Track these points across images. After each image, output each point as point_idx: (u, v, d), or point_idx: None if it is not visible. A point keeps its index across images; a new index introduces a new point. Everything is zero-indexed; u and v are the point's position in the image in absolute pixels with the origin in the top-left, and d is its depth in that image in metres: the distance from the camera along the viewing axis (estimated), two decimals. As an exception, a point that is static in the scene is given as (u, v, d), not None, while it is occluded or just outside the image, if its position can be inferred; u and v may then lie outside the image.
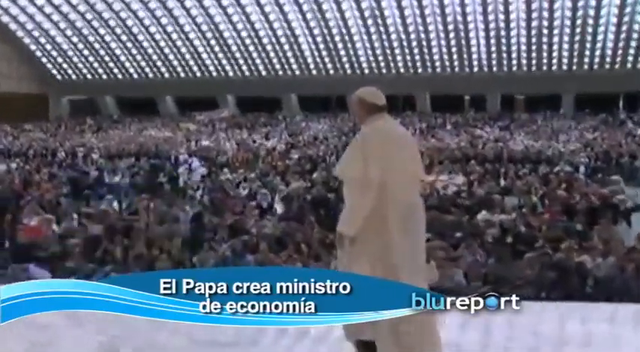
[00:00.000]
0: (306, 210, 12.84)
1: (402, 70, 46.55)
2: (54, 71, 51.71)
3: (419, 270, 4.18)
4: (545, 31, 40.80)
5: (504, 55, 43.50)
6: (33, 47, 49.65)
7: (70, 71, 51.57)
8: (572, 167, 22.16)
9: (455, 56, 44.55)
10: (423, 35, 43.01)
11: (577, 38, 41.11)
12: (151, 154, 28.89)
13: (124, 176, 22.72)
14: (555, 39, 41.65)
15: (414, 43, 43.90)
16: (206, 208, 13.98)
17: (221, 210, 13.35)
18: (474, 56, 44.37)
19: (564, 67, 43.47)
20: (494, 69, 44.74)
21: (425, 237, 4.40)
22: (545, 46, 42.05)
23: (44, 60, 50.80)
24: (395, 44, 44.32)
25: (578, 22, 40.06)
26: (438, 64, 45.58)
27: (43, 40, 48.86)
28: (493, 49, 43.20)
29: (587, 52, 42.14)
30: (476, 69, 45.19)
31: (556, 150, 25.76)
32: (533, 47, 42.20)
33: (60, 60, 50.65)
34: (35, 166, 25.07)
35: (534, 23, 40.45)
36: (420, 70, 46.25)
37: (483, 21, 40.82)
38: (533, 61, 43.37)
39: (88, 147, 32.11)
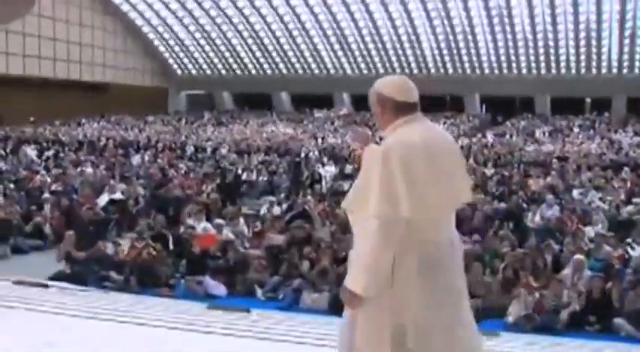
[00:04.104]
0: (489, 222, 12.04)
1: (524, 71, 45.17)
2: (175, 66, 53.09)
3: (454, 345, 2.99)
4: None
5: (637, 56, 41.38)
6: (157, 42, 51.08)
7: (190, 66, 52.86)
8: None
9: (582, 57, 42.76)
10: (551, 35, 41.44)
11: None
12: (280, 151, 28.66)
13: (260, 173, 22.28)
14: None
15: (541, 43, 42.38)
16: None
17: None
18: (604, 57, 42.46)
19: None
20: (625, 70, 42.67)
21: (466, 290, 3.13)
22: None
23: (166, 55, 52.20)
24: (520, 44, 42.94)
25: None
26: (563, 65, 43.92)
27: (166, 36, 50.17)
28: (626, 49, 41.14)
29: None
30: (604, 70, 43.26)
31: None
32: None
33: (182, 55, 51.93)
34: (167, 160, 24.87)
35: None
36: (543, 72, 44.72)
37: (619, 19, 38.80)
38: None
39: (216, 142, 32.29)
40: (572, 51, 42.57)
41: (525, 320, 7.74)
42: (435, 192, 2.91)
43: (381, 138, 3.09)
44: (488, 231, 11.46)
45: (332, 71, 48.85)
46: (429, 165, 2.90)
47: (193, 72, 53.20)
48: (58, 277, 9.86)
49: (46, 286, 7.91)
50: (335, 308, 8.70)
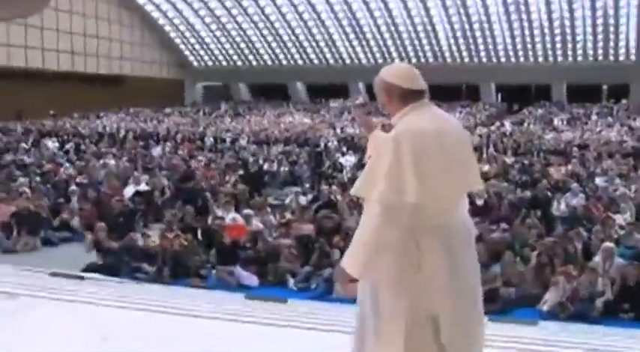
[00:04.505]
0: (515, 210, 12.04)
1: (540, 59, 44.94)
2: (191, 58, 53.29)
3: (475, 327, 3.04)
4: None
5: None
6: (172, 34, 51.27)
7: (206, 58, 53.07)
8: None
9: (599, 44, 42.48)
10: (567, 22, 41.20)
11: None
12: (300, 141, 28.70)
13: (281, 164, 22.30)
14: None
15: (557, 31, 42.15)
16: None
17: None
18: (621, 43, 42.15)
19: None
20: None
21: (478, 273, 3.10)
22: None
23: (182, 47, 52.39)
24: (536, 32, 42.73)
25: None
26: (579, 52, 43.66)
27: (182, 28, 50.33)
28: (644, 36, 40.83)
29: None
30: (621, 57, 42.96)
31: None
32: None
33: (197, 47, 52.11)
34: (187, 152, 24.88)
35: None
36: (559, 59, 44.49)
37: (637, 5, 38.46)
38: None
39: (235, 133, 32.37)
40: (589, 38, 42.32)
41: (560, 309, 7.80)
42: (448, 181, 2.90)
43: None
44: (515, 219, 11.48)
45: (347, 61, 48.89)
46: (442, 154, 2.89)
47: (209, 63, 53.42)
48: (91, 268, 9.95)
49: (81, 278, 8.09)
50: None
